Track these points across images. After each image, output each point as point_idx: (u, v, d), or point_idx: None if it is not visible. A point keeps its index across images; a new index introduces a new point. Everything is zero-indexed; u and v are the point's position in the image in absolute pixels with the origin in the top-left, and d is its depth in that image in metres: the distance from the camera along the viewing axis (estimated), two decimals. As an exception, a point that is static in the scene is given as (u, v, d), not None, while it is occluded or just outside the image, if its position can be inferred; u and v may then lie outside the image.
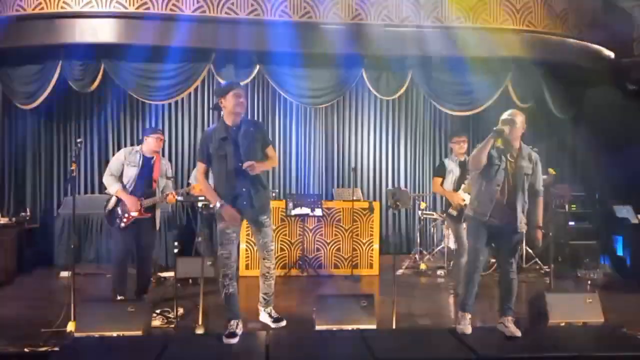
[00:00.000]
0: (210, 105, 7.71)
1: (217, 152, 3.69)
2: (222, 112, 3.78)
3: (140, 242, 4.79)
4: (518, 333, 3.61)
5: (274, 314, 4.09)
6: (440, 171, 5.46)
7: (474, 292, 3.81)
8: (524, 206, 3.78)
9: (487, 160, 3.69)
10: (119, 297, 4.63)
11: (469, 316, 3.78)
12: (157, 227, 4.97)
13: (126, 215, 4.62)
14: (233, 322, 3.57)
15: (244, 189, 3.72)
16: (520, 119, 3.83)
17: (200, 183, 3.86)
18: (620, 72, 7.89)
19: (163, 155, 7.61)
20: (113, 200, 4.69)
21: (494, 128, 3.72)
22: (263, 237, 3.96)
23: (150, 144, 4.79)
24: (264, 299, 4.12)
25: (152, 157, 4.84)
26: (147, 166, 4.78)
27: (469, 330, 3.68)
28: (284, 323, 3.92)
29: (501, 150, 3.77)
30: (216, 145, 3.69)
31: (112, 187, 4.67)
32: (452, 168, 5.38)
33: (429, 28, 6.74)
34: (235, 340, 3.43)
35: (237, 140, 3.69)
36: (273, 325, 3.87)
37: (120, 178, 4.71)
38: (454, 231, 5.42)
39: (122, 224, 4.63)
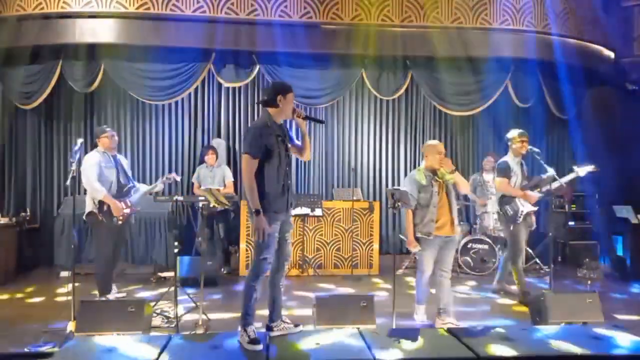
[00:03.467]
0: (211, 106, 7.72)
1: (273, 149, 3.36)
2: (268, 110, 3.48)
3: (123, 234, 5.04)
4: (458, 323, 4.26)
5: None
6: (507, 172, 5.21)
7: (428, 289, 4.56)
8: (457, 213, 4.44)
9: (422, 188, 4.31)
10: (107, 297, 4.68)
11: (424, 307, 4.56)
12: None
13: (121, 212, 4.80)
14: (253, 328, 3.36)
15: (288, 189, 3.48)
16: (440, 146, 4.40)
17: (251, 182, 3.31)
18: (620, 72, 7.90)
19: (162, 155, 7.66)
20: (103, 203, 4.74)
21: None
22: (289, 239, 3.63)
23: (106, 143, 4.85)
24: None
25: (116, 155, 4.98)
26: (118, 165, 4.93)
27: (424, 318, 4.47)
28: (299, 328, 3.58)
29: (430, 176, 4.34)
30: (272, 142, 3.36)
31: (101, 192, 4.69)
32: (516, 170, 5.23)
33: (429, 28, 6.75)
34: (261, 347, 3.26)
35: (284, 139, 3.47)
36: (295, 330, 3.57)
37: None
38: (506, 231, 5.35)
39: (119, 221, 4.77)
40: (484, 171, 7.04)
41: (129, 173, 5.09)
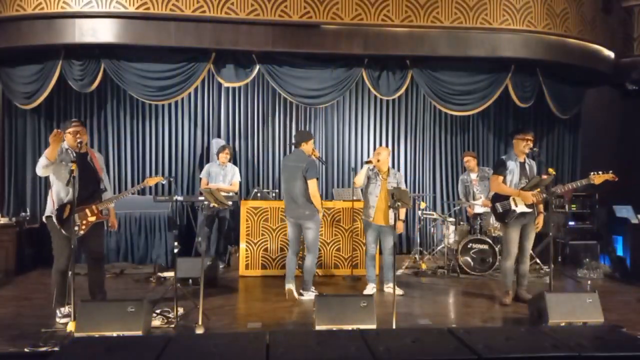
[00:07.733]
0: (211, 106, 7.76)
1: None
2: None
3: (90, 246, 4.48)
4: (401, 291, 5.45)
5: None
6: (500, 169, 5.21)
7: (372, 268, 5.54)
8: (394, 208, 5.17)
9: (367, 179, 5.43)
10: (64, 310, 4.36)
11: (372, 285, 5.52)
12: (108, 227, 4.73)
13: (84, 221, 4.30)
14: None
15: None
16: (384, 153, 5.47)
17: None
18: (620, 72, 7.90)
19: (162, 155, 7.65)
20: (67, 208, 4.26)
21: (368, 159, 5.57)
22: None
23: (69, 139, 4.32)
24: None
25: (87, 153, 4.41)
26: (85, 164, 4.30)
27: (371, 291, 5.39)
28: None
29: (375, 172, 5.46)
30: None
31: (42, 164, 4.19)
32: (513, 168, 5.14)
33: (429, 28, 6.74)
34: None
35: None
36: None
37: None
38: (501, 230, 5.46)
39: (81, 232, 4.24)
40: (471, 171, 7.11)
41: (101, 173, 4.49)
